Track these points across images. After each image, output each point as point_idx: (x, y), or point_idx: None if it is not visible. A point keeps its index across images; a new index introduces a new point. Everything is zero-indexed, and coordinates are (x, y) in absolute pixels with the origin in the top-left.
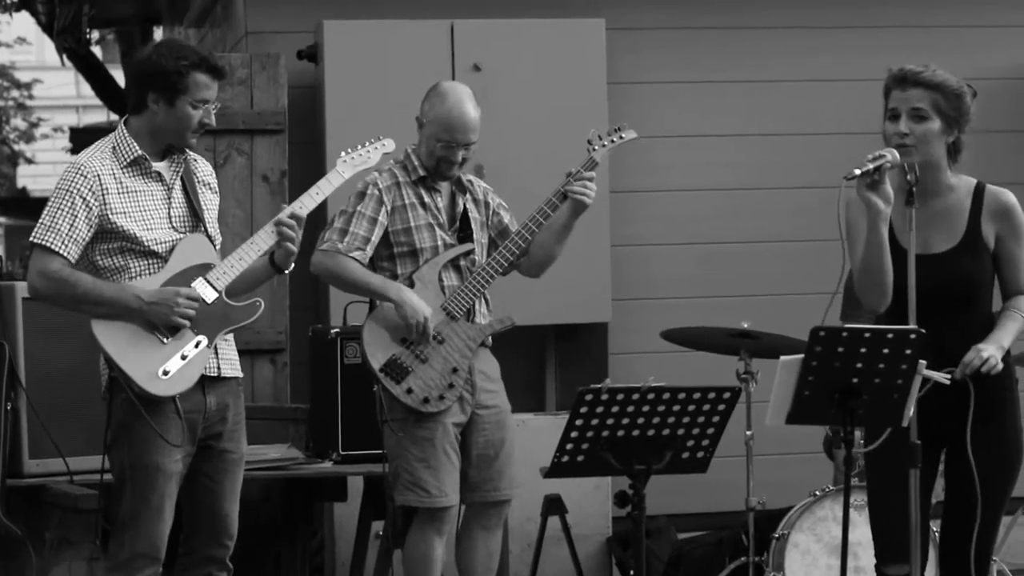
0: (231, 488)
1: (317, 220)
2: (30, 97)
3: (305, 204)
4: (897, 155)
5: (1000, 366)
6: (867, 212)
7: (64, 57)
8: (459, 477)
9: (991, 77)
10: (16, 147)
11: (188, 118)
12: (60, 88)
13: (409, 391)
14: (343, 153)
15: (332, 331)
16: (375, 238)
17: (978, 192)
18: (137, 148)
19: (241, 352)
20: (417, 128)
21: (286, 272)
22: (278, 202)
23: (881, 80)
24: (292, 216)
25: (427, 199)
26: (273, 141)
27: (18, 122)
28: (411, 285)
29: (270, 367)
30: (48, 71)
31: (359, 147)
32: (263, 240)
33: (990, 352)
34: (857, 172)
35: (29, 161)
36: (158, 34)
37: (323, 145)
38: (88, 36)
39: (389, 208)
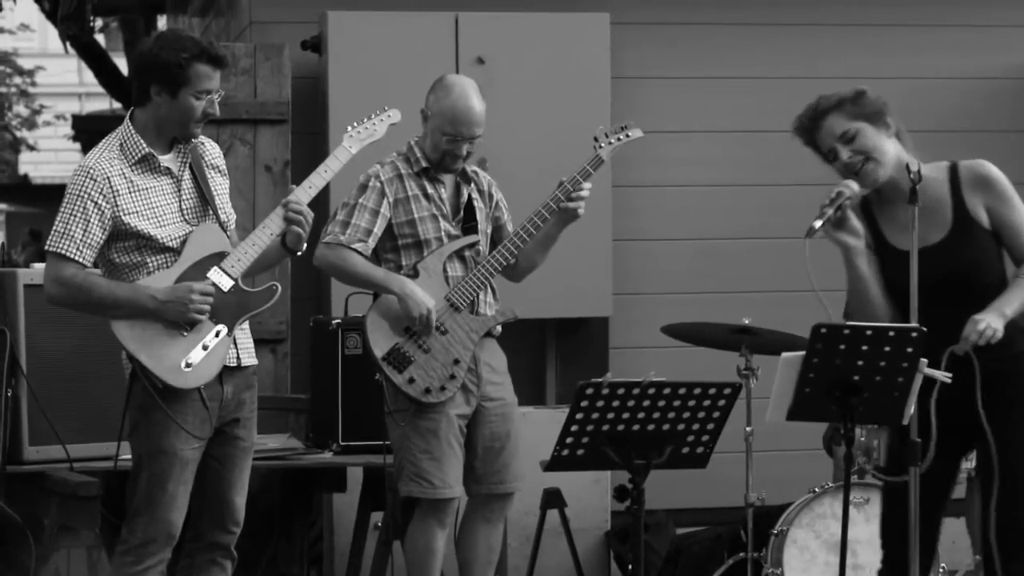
0: (239, 475)
1: (322, 213)
2: (33, 84)
3: (314, 183)
4: (855, 186)
5: (1000, 333)
6: (841, 251)
7: (67, 44)
8: (463, 469)
9: (991, 76)
10: (18, 134)
11: (191, 109)
12: (63, 75)
13: (411, 380)
14: (349, 128)
15: (333, 322)
16: (377, 230)
17: (953, 172)
18: (144, 146)
19: None
20: (422, 121)
21: (298, 254)
22: (281, 192)
23: (887, 79)
24: (298, 200)
25: (430, 190)
26: (276, 131)
27: (20, 109)
28: (416, 275)
29: (271, 357)
30: (51, 58)
31: (365, 120)
32: (274, 224)
33: (986, 322)
34: (817, 225)
35: (31, 148)
36: (161, 22)
37: (326, 136)
38: (92, 24)
39: (392, 200)
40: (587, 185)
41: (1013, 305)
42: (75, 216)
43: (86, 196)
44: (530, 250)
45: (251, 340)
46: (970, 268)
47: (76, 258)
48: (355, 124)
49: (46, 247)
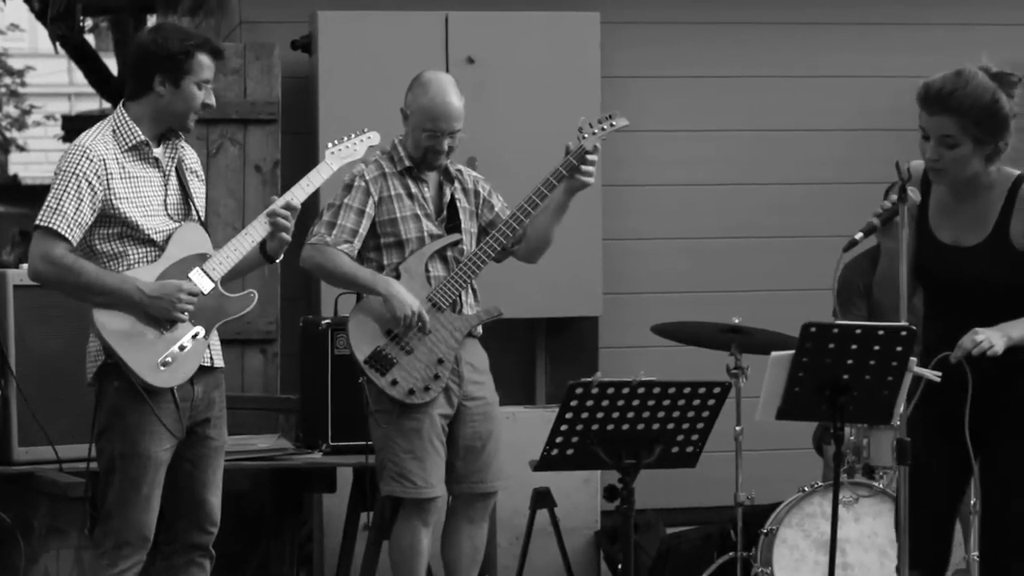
0: (213, 475)
1: (309, 213)
2: (22, 84)
3: (296, 195)
4: (917, 196)
5: (997, 350)
6: (885, 250)
7: (57, 45)
8: (445, 468)
9: None
10: (8, 134)
11: (194, 98)
12: (53, 76)
13: (394, 383)
14: (330, 144)
15: (323, 322)
16: (363, 230)
17: (1015, 185)
18: (139, 133)
19: (232, 342)
20: (403, 120)
21: (276, 262)
22: (270, 192)
23: (877, 77)
24: (285, 206)
25: (414, 189)
26: (266, 131)
27: (10, 109)
28: (397, 276)
29: (260, 357)
30: (41, 58)
31: (345, 139)
32: (257, 231)
33: (985, 335)
34: (858, 237)
35: (21, 148)
36: (151, 22)
37: (316, 136)
38: (82, 24)
39: (376, 199)
40: (593, 157)
41: (1020, 330)
42: (68, 193)
43: (80, 175)
44: (542, 224)
45: (219, 343)
46: (984, 281)
47: (66, 235)
48: (335, 142)
49: (36, 222)
